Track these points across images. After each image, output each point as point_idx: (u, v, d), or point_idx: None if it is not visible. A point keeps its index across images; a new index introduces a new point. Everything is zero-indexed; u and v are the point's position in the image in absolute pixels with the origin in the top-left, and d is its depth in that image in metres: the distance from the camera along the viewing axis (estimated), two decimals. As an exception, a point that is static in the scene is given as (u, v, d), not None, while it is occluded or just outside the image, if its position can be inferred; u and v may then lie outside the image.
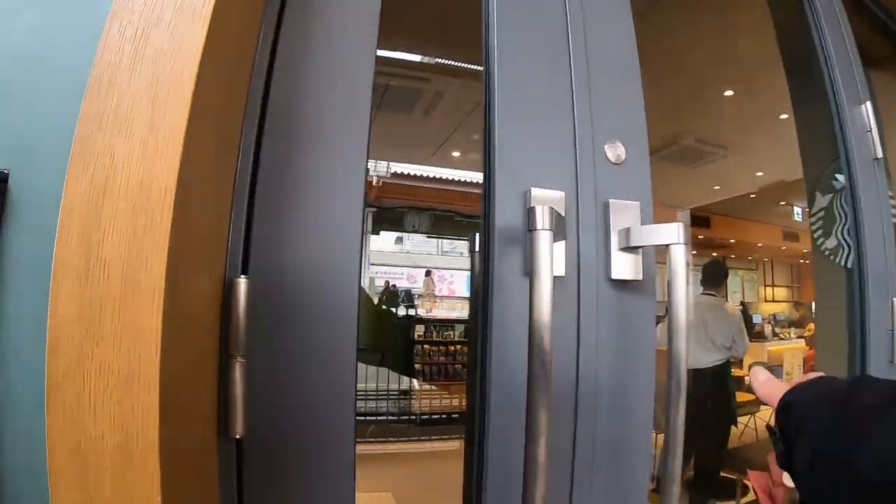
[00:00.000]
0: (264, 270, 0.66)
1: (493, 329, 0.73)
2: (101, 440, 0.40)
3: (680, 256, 0.72)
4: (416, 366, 6.13)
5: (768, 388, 0.56)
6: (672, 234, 0.72)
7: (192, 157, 0.46)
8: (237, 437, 0.60)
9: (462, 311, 6.83)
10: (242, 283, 0.62)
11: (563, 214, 0.76)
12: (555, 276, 0.73)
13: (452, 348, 6.36)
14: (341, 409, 0.66)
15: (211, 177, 0.54)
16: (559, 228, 0.71)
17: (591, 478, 0.75)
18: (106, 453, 0.40)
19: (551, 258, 0.64)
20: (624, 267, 0.80)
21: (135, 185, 0.43)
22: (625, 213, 0.81)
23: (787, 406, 0.51)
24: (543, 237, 0.64)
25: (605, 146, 0.82)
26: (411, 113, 3.92)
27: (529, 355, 0.63)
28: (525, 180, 0.76)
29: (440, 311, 6.96)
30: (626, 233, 0.78)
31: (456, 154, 5.25)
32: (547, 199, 0.75)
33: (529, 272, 0.65)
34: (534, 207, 0.65)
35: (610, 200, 0.81)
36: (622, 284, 0.80)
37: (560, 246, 0.76)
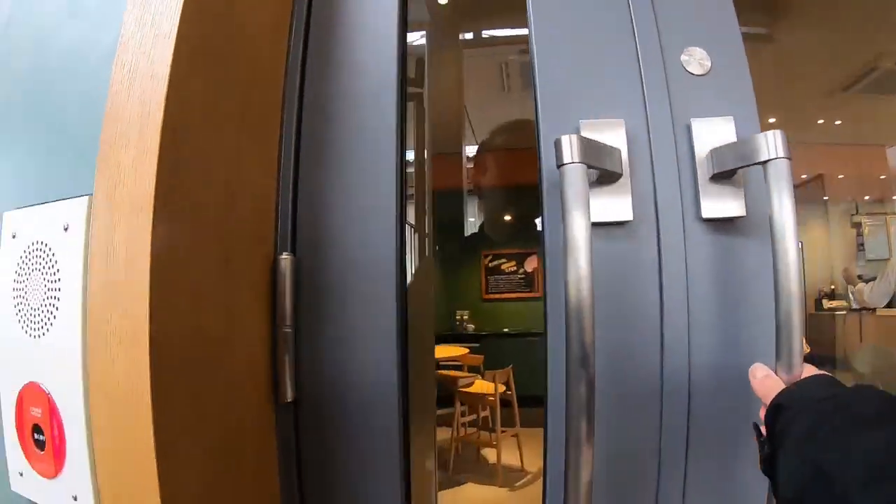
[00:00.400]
0: (309, 248, 0.68)
1: (547, 295, 0.64)
2: (118, 386, 0.48)
3: (783, 175, 0.53)
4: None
5: (765, 386, 0.51)
6: (767, 145, 0.54)
7: (180, 156, 0.51)
8: (288, 400, 0.63)
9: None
10: (285, 260, 0.65)
11: (625, 146, 0.63)
12: (617, 222, 0.62)
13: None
14: (386, 373, 0.65)
15: (225, 171, 0.58)
16: (608, 163, 0.60)
17: (686, 470, 0.61)
18: (120, 395, 0.48)
19: (585, 196, 0.54)
20: (719, 201, 0.63)
21: (130, 186, 0.49)
22: (714, 134, 0.64)
23: (777, 409, 0.47)
24: (571, 172, 0.54)
25: (682, 56, 0.67)
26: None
27: (567, 331, 0.53)
28: (574, 113, 0.66)
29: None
30: (713, 156, 0.62)
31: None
32: (597, 131, 0.63)
33: (562, 219, 0.54)
34: (559, 139, 0.55)
35: (692, 121, 0.65)
36: (719, 225, 0.64)
37: (622, 187, 0.63)
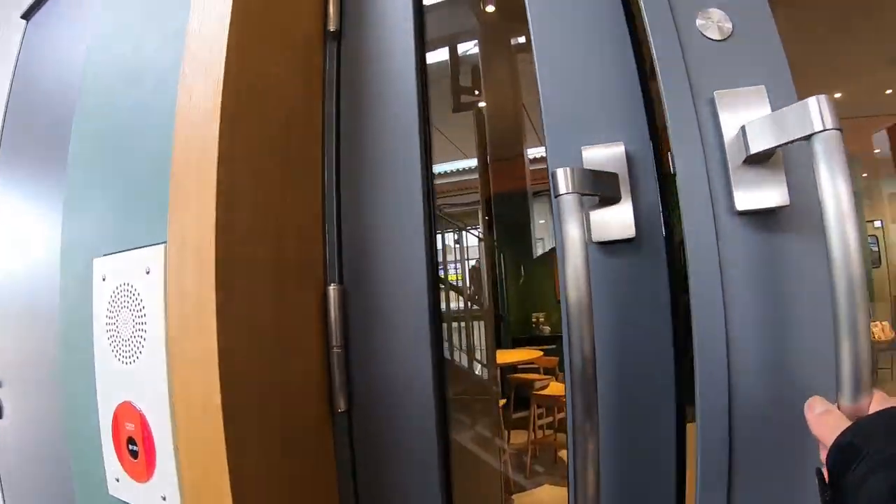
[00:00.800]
0: (355, 276, 0.80)
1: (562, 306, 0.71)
2: (195, 403, 0.62)
3: (834, 150, 0.46)
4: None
5: (825, 424, 0.42)
6: (812, 115, 0.47)
7: (232, 213, 0.64)
8: (341, 410, 0.76)
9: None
10: (332, 290, 0.78)
11: (625, 168, 0.68)
12: (618, 240, 0.68)
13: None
14: (422, 385, 0.76)
15: (273, 219, 0.72)
16: (604, 189, 0.66)
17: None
18: (197, 410, 0.62)
19: (580, 222, 0.60)
20: (756, 189, 0.58)
21: (195, 241, 0.63)
22: (743, 107, 0.59)
23: (847, 449, 0.38)
24: (566, 202, 0.60)
25: (697, 20, 0.64)
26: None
27: (570, 351, 0.59)
28: (576, 137, 0.71)
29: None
30: (745, 133, 0.56)
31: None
32: (599, 160, 0.69)
33: (558, 247, 0.61)
34: (555, 172, 0.62)
35: (716, 93, 0.60)
36: (759, 219, 0.59)
37: (624, 206, 0.68)
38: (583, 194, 0.62)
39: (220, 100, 0.65)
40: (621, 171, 0.69)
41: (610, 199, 0.68)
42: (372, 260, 0.80)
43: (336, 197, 0.82)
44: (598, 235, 0.68)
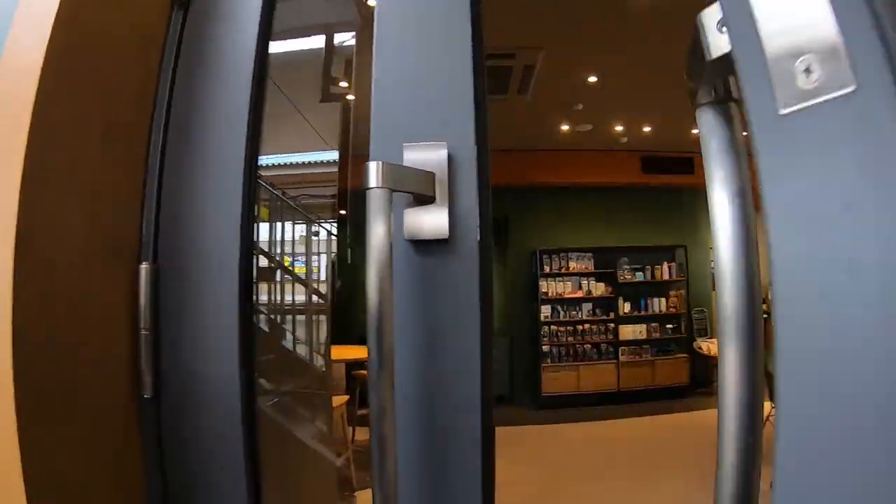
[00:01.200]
0: (171, 256, 0.79)
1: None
2: None
3: None
4: (545, 347, 6.40)
5: None
6: None
7: (41, 177, 0.62)
8: (147, 396, 0.74)
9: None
10: (144, 269, 0.77)
11: (446, 168, 0.75)
12: (432, 240, 0.74)
13: (581, 328, 6.63)
14: (230, 375, 0.77)
15: (88, 185, 0.69)
16: (418, 187, 0.72)
17: None
18: None
19: (386, 217, 0.65)
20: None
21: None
22: None
23: None
24: (374, 197, 0.65)
25: None
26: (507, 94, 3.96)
27: (368, 346, 0.64)
28: (400, 133, 0.76)
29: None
30: None
31: (565, 128, 5.09)
32: (419, 158, 0.75)
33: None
34: (367, 165, 0.66)
35: None
36: None
37: (441, 209, 0.74)
38: (393, 190, 0.68)
39: (43, 56, 0.62)
40: (441, 171, 0.75)
41: (426, 198, 0.75)
42: (189, 243, 0.80)
43: (159, 174, 0.81)
44: (410, 233, 0.74)
